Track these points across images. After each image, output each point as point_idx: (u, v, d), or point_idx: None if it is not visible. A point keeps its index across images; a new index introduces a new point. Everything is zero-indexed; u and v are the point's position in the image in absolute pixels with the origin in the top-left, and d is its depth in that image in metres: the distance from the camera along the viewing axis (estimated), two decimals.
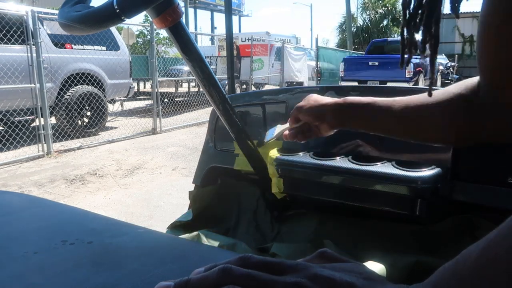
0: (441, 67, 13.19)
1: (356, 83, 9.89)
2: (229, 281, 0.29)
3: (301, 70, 13.91)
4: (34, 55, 5.09)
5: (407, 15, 0.52)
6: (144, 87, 10.87)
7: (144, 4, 0.68)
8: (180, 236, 1.12)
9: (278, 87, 10.86)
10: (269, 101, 1.27)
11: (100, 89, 6.49)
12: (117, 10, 0.66)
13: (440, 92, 0.64)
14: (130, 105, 9.67)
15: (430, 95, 0.60)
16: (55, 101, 5.87)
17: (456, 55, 17.69)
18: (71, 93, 5.99)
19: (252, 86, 10.95)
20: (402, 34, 0.55)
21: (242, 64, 10.98)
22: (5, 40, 5.10)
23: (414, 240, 1.00)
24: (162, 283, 0.29)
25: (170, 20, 0.76)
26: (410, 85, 9.40)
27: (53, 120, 6.01)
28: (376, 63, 10.27)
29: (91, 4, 0.81)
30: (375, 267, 0.86)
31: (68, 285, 0.35)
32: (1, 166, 4.69)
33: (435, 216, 0.98)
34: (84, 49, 6.29)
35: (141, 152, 5.40)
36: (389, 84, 9.09)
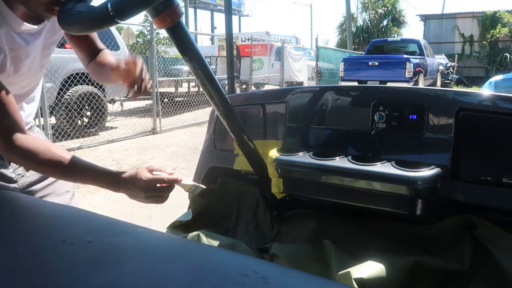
0: (441, 67, 13.18)
1: (356, 83, 9.89)
2: None
3: (301, 70, 13.91)
4: None
5: None
6: None
7: (137, 8, 0.69)
8: (180, 236, 1.12)
9: (278, 87, 10.86)
10: (269, 101, 1.27)
11: (100, 89, 6.49)
12: (111, 13, 0.67)
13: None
14: (130, 105, 9.67)
15: None
16: (55, 101, 5.86)
17: (456, 55, 17.66)
18: (71, 93, 5.99)
19: (252, 86, 10.94)
20: None
21: (242, 64, 10.97)
22: None
23: (414, 240, 1.00)
24: None
25: (170, 20, 0.76)
26: (410, 85, 9.40)
27: (52, 120, 6.01)
28: (376, 63, 10.26)
29: (92, 3, 0.81)
30: (375, 267, 0.86)
31: (68, 284, 0.35)
32: None
33: (435, 216, 0.98)
34: None
35: (141, 152, 5.40)
36: (389, 84, 9.09)
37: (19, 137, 0.85)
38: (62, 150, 0.91)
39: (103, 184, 0.92)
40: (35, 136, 0.93)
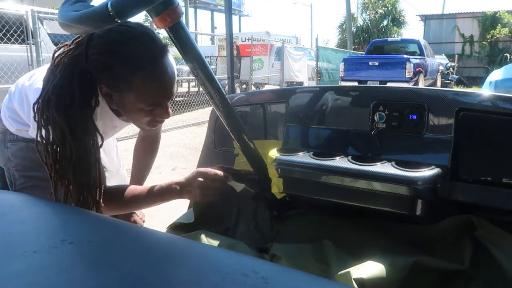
0: (441, 67, 13.18)
1: (356, 83, 9.89)
2: None
3: (301, 70, 13.91)
4: (34, 54, 5.09)
5: None
6: None
7: (137, 7, 0.69)
8: (180, 236, 1.12)
9: (278, 87, 10.86)
10: (269, 101, 1.27)
11: None
12: (111, 13, 0.67)
13: None
14: None
15: None
16: None
17: (456, 55, 17.66)
18: None
19: (252, 86, 10.94)
20: None
21: (242, 64, 10.97)
22: (5, 39, 5.10)
23: (414, 240, 1.00)
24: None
25: (170, 20, 0.76)
26: (410, 85, 9.40)
27: None
28: (376, 63, 10.26)
29: (92, 3, 0.81)
30: (375, 267, 0.86)
31: (67, 284, 0.35)
32: None
33: (434, 216, 0.98)
34: None
35: None
36: (389, 84, 9.09)
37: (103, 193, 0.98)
38: (132, 188, 1.07)
39: (171, 195, 1.04)
40: (113, 187, 1.07)
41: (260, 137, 1.24)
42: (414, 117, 0.98)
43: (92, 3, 0.82)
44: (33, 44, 5.08)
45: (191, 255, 0.43)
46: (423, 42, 12.25)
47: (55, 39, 5.87)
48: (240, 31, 23.25)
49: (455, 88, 12.77)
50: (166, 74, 0.90)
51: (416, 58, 10.64)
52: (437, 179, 0.89)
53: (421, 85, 10.28)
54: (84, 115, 0.89)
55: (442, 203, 0.96)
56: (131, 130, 6.63)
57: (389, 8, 23.65)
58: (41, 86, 0.91)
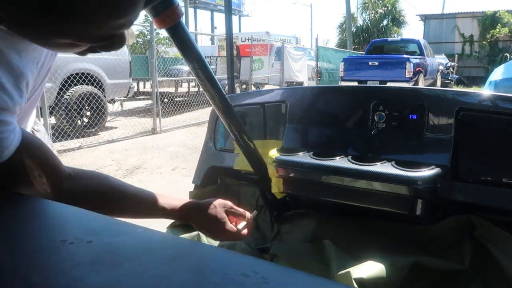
0: (441, 67, 13.18)
1: (356, 83, 9.89)
2: None
3: (301, 70, 13.91)
4: None
5: None
6: (144, 87, 10.86)
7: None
8: (180, 236, 1.12)
9: (278, 87, 10.85)
10: (269, 101, 1.27)
11: (100, 89, 6.48)
12: None
13: None
14: (130, 105, 9.66)
15: None
16: (55, 101, 5.86)
17: (456, 55, 17.67)
18: (71, 93, 5.99)
19: (252, 86, 10.94)
20: None
21: (242, 64, 10.97)
22: None
23: (413, 240, 1.00)
24: None
25: (169, 20, 0.76)
26: (410, 85, 9.39)
27: (52, 120, 6.01)
28: (376, 63, 10.27)
29: None
30: (375, 267, 0.86)
31: (68, 284, 0.35)
32: None
33: (434, 216, 0.98)
34: None
35: (141, 152, 5.40)
36: (389, 84, 9.09)
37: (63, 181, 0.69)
38: (117, 185, 0.75)
39: (169, 218, 0.88)
40: (82, 173, 0.74)
41: (260, 137, 1.24)
42: (414, 117, 0.98)
43: None
44: None
45: (191, 255, 0.43)
46: (423, 42, 12.25)
47: None
48: (240, 31, 23.25)
49: (455, 88, 12.78)
50: None
51: (416, 58, 10.64)
52: (437, 179, 0.89)
53: (421, 85, 10.28)
54: None
55: (442, 203, 0.96)
56: (132, 130, 6.64)
57: (389, 8, 23.65)
58: None
